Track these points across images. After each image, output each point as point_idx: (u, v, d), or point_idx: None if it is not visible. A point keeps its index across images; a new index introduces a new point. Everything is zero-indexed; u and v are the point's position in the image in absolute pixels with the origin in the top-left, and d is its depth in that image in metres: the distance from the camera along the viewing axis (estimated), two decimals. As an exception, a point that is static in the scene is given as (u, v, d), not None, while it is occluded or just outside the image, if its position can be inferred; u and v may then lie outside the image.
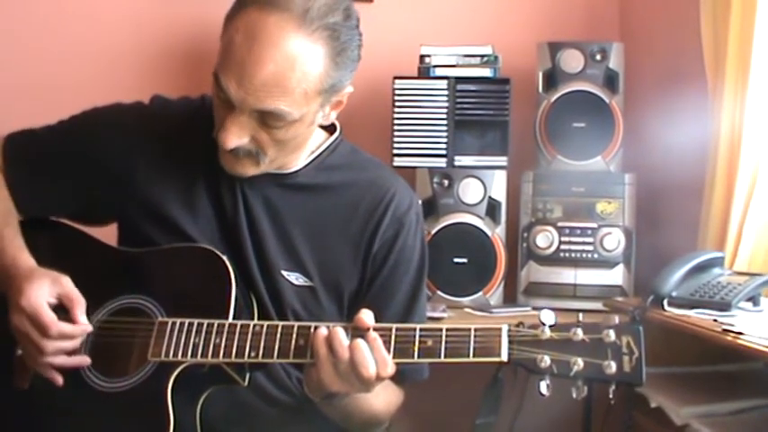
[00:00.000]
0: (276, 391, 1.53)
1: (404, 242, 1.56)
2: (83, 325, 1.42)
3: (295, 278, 1.52)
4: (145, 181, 1.54)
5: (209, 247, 1.47)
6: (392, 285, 1.56)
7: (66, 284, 1.43)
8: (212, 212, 1.53)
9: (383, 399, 1.52)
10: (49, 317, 1.39)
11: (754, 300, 1.98)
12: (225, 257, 1.45)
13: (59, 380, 1.42)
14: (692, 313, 1.92)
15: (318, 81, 1.40)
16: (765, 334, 1.68)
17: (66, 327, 1.40)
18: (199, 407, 1.42)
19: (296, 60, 1.36)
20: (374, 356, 1.30)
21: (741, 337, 1.70)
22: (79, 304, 1.43)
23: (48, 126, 1.62)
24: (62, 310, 1.42)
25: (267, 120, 1.41)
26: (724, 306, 1.91)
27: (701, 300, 1.96)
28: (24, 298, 1.39)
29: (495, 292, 2.49)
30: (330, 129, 1.60)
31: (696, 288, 2.00)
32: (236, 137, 1.42)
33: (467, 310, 2.45)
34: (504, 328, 1.29)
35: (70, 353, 1.42)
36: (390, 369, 1.31)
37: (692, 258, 2.07)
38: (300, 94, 1.39)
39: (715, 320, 1.84)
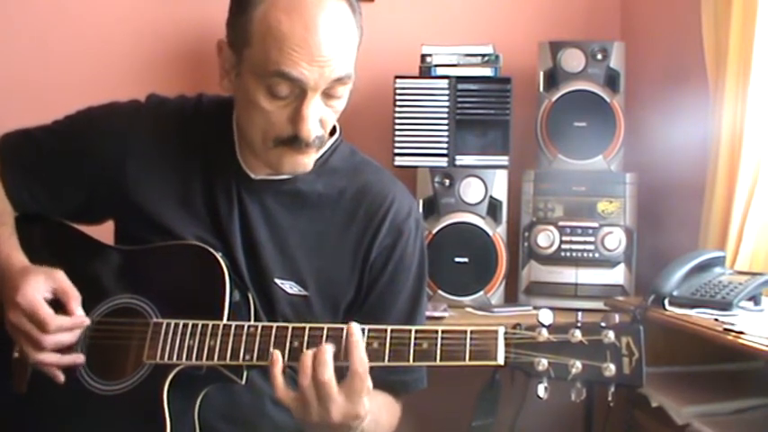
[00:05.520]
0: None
1: (403, 250, 1.53)
2: (80, 317, 1.42)
3: (289, 287, 1.50)
4: (137, 181, 1.52)
5: (202, 245, 1.46)
6: (390, 294, 1.53)
7: (61, 278, 1.43)
8: (206, 213, 1.51)
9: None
10: (47, 312, 1.39)
11: (755, 299, 1.97)
12: (219, 254, 1.44)
13: (61, 377, 1.42)
14: (693, 313, 1.92)
15: (356, 33, 1.42)
16: (766, 333, 1.68)
17: (64, 320, 1.40)
18: (197, 406, 1.41)
19: (340, 15, 1.38)
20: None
21: (742, 336, 1.70)
22: (74, 298, 1.42)
23: (43, 126, 1.61)
24: (58, 305, 1.41)
25: (335, 91, 1.40)
26: (725, 305, 1.91)
27: (702, 299, 1.95)
28: (20, 294, 1.39)
29: (496, 292, 2.48)
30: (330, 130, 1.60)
31: (697, 287, 1.99)
32: (316, 123, 1.41)
33: (468, 309, 2.44)
34: (501, 330, 1.27)
35: (65, 350, 1.41)
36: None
37: (693, 258, 2.06)
38: (354, 47, 1.41)
39: (716, 320, 1.83)
